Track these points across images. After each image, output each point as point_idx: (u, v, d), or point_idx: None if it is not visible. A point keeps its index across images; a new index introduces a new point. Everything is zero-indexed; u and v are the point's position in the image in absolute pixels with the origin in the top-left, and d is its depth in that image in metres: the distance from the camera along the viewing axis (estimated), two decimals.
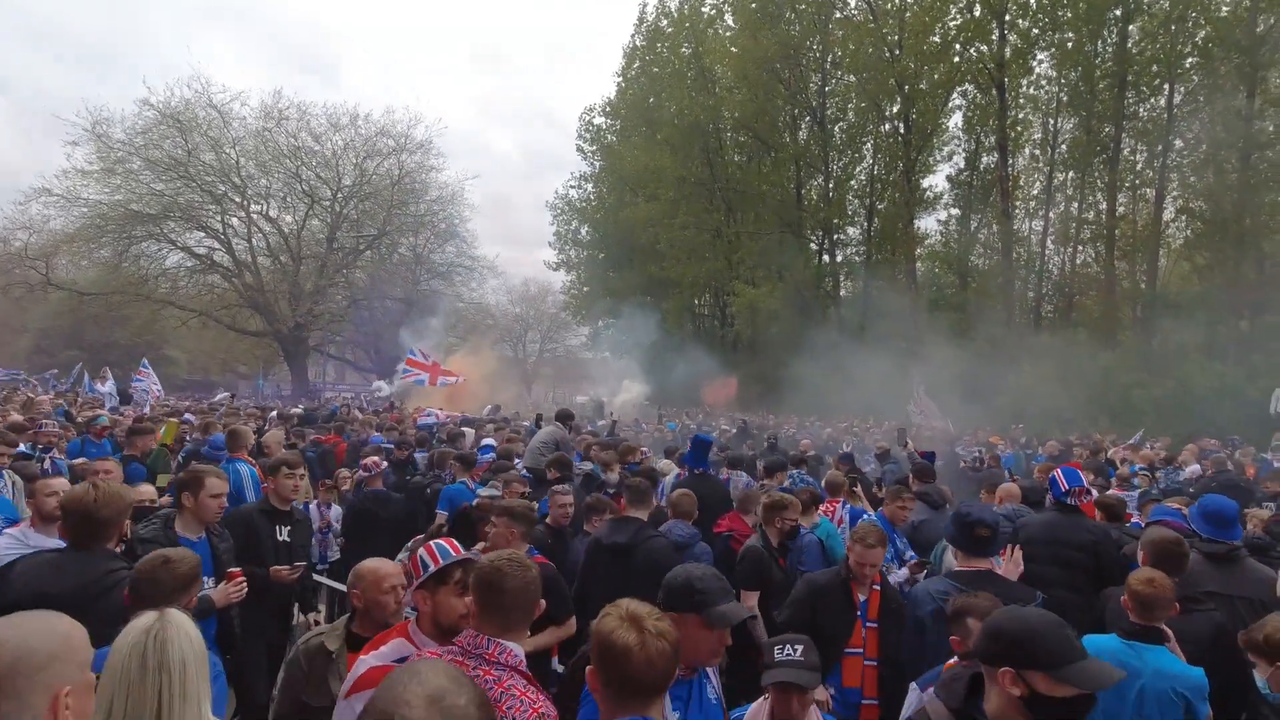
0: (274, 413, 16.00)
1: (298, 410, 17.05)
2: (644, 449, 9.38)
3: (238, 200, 35.80)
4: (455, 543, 2.67)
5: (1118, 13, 22.35)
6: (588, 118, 41.93)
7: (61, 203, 32.26)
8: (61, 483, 3.75)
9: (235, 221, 36.47)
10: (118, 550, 3.16)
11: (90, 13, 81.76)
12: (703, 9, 35.00)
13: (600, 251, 41.62)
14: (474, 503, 5.53)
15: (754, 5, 30.24)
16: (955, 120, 28.17)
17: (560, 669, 4.06)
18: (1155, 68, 22.01)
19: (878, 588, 3.80)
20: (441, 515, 6.19)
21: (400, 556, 4.69)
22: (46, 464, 6.87)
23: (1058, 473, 4.91)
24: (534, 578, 2.16)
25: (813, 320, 28.14)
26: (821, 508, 5.84)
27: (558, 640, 3.97)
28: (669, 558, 4.39)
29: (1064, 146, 25.16)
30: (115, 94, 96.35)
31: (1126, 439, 14.64)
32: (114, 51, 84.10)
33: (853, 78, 29.29)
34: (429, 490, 7.01)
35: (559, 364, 55.18)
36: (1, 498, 5.24)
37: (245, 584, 3.38)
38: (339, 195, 37.64)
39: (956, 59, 25.62)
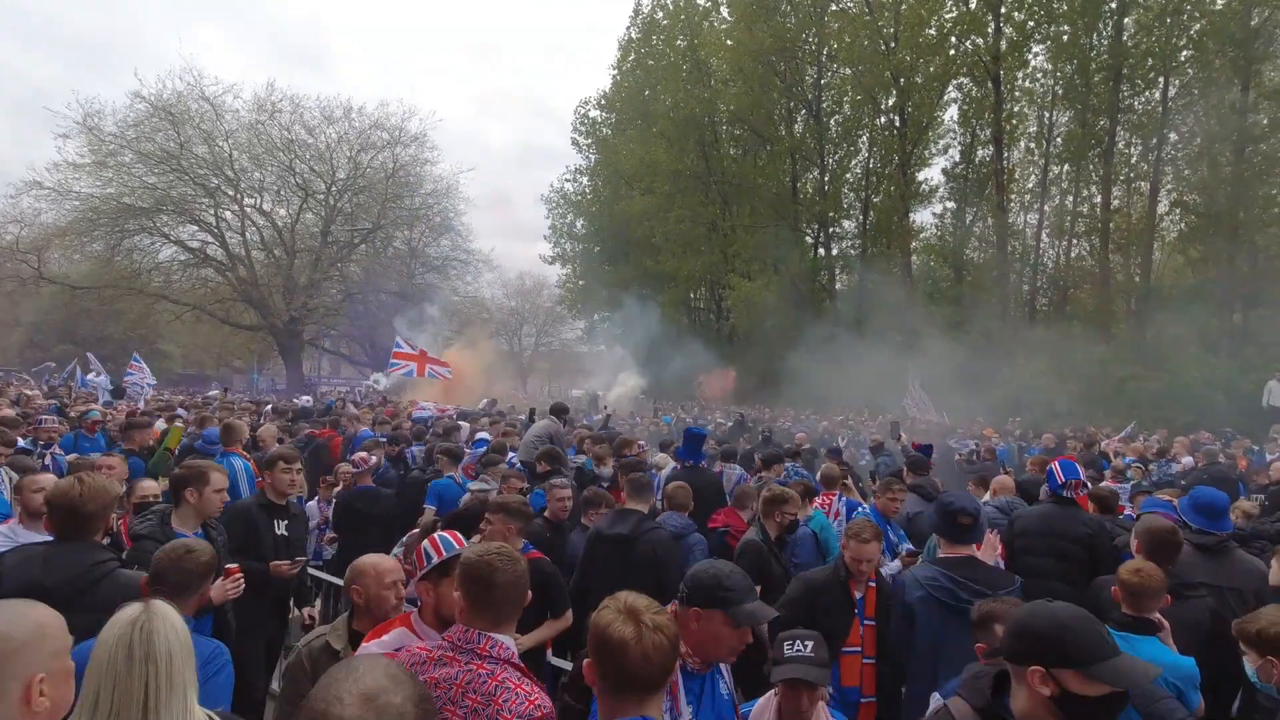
0: (269, 406, 15.98)
1: (304, 402, 17.04)
2: (640, 442, 9.40)
3: (231, 193, 35.64)
4: (459, 535, 2.70)
5: (1113, 5, 22.35)
6: (583, 111, 41.87)
7: (53, 196, 32.17)
8: (49, 479, 3.73)
9: (229, 215, 36.35)
10: (105, 543, 3.15)
11: (84, 6, 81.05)
12: (698, 2, 34.89)
13: (595, 245, 41.56)
14: (472, 498, 5.55)
15: None
16: (951, 113, 28.19)
17: (554, 661, 4.08)
18: (1150, 61, 22.02)
19: (873, 584, 3.77)
20: (430, 510, 6.20)
21: (395, 552, 4.70)
22: (47, 460, 6.87)
23: (1055, 465, 4.93)
24: (524, 571, 2.15)
25: (808, 313, 28.17)
26: (818, 501, 5.86)
27: (556, 634, 3.98)
28: (670, 549, 4.49)
29: (1059, 140, 25.17)
30: (108, 87, 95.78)
31: (1120, 432, 14.74)
32: (107, 44, 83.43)
33: (848, 71, 29.20)
34: (429, 485, 6.99)
35: (554, 358, 55.18)
36: None
37: (242, 580, 3.38)
38: (333, 188, 37.49)
39: (952, 52, 25.58)
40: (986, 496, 6.40)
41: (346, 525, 6.34)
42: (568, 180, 43.37)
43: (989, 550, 3.79)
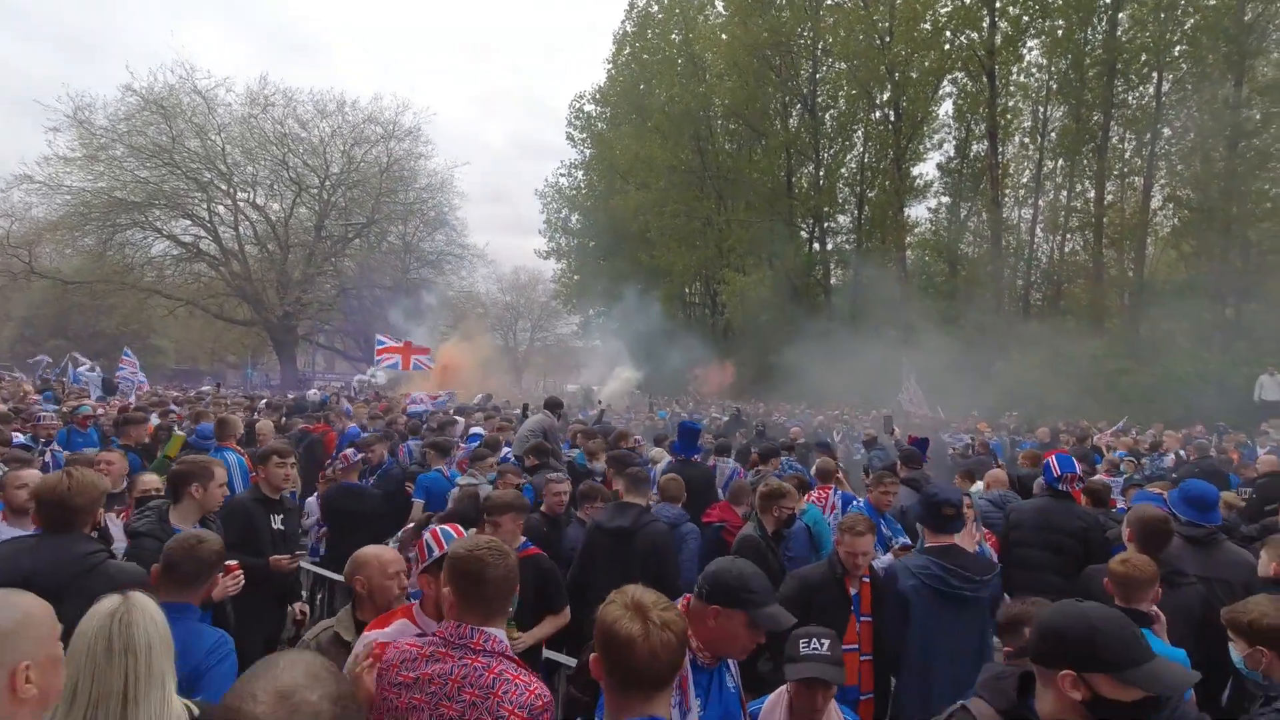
0: (263, 401, 15.94)
1: (313, 395, 17.00)
2: (637, 436, 9.42)
3: (224, 188, 35.45)
4: (460, 528, 2.72)
5: (1107, 0, 22.38)
6: (578, 105, 41.76)
7: (44, 190, 31.94)
8: (31, 474, 3.73)
9: (221, 209, 36.17)
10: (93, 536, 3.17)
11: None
12: None
13: (590, 240, 41.49)
14: (460, 493, 5.55)
15: None
16: (945, 108, 28.16)
17: (550, 655, 4.09)
18: (1144, 56, 22.06)
19: (867, 579, 3.77)
20: (418, 504, 6.20)
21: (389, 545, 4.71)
22: (47, 457, 6.86)
23: (1051, 459, 4.97)
24: (514, 565, 2.14)
25: (803, 308, 28.21)
26: (814, 495, 5.88)
27: (556, 630, 3.99)
28: (669, 542, 4.60)
29: (1053, 135, 25.21)
30: (99, 80, 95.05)
31: (1113, 425, 14.83)
32: (97, 37, 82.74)
33: (843, 65, 29.19)
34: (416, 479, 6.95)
35: (550, 353, 55.09)
36: None
37: (242, 576, 3.38)
38: (327, 183, 37.32)
39: (947, 46, 25.59)
40: (977, 487, 6.46)
41: (332, 523, 6.30)
42: (562, 175, 43.35)
43: (968, 538, 3.99)
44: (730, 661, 2.39)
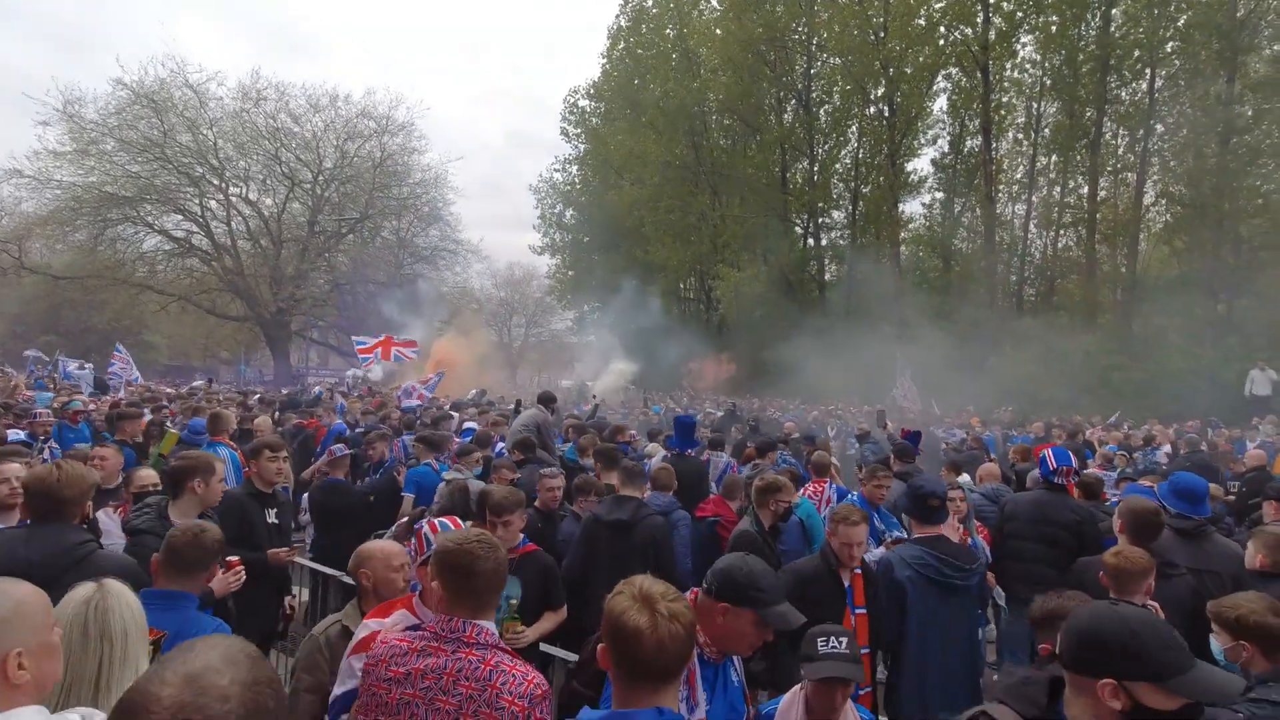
0: (256, 397, 15.88)
1: (316, 391, 16.98)
2: (632, 430, 9.43)
3: (216, 182, 35.18)
4: (458, 520, 2.72)
5: None
6: (572, 100, 41.61)
7: (33, 184, 31.63)
8: (14, 468, 3.72)
9: (214, 204, 35.88)
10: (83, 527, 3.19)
11: None
12: None
13: (585, 235, 41.40)
14: (447, 487, 5.56)
15: None
16: (939, 104, 28.25)
17: (545, 649, 4.10)
18: (1137, 52, 22.11)
19: (859, 571, 3.74)
20: (408, 498, 6.21)
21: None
22: (45, 454, 6.82)
23: (1047, 452, 5.01)
24: (504, 558, 2.14)
25: (798, 303, 28.23)
26: (809, 489, 5.91)
27: (557, 626, 3.99)
28: (667, 535, 4.73)
29: (1047, 130, 25.27)
30: (89, 74, 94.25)
31: (1105, 420, 14.92)
32: (88, 30, 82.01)
33: (838, 60, 29.16)
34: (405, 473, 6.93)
35: (545, 348, 55.03)
36: None
37: (243, 572, 3.39)
38: (320, 178, 37.08)
39: (941, 42, 25.62)
40: (965, 479, 6.53)
41: (319, 520, 6.29)
42: (556, 170, 43.23)
43: (951, 530, 4.16)
44: (735, 656, 2.40)
